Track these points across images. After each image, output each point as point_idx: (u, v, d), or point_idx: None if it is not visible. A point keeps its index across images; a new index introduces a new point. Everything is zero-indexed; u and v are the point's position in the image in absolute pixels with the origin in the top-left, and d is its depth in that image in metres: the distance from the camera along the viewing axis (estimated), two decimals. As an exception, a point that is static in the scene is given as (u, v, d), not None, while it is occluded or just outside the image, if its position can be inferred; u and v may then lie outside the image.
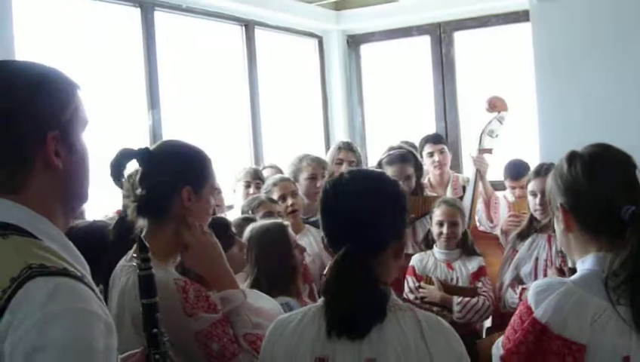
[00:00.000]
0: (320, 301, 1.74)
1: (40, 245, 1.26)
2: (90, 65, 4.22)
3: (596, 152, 1.82)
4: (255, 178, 4.39)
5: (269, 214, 3.44)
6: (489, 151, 4.52)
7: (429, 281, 3.71)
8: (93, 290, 1.26)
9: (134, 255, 1.56)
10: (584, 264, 1.78)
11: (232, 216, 4.26)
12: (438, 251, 3.77)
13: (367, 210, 1.70)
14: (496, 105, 4.47)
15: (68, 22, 4.14)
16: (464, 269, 3.69)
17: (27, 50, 3.62)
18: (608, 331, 1.65)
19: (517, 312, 1.79)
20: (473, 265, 3.70)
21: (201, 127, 5.12)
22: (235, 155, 5.47)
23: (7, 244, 1.24)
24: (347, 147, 4.79)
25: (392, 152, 4.10)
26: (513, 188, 4.65)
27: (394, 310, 1.67)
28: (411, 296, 3.72)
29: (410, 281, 3.76)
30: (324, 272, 1.78)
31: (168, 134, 4.60)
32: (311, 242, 3.75)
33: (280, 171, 4.65)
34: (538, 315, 1.70)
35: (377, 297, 1.65)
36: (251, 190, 4.32)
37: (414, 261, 3.79)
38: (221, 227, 2.44)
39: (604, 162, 1.79)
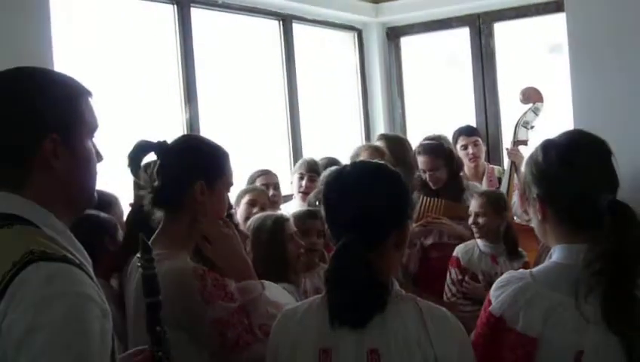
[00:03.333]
0: (324, 292, 1.76)
1: (42, 233, 1.33)
2: (127, 62, 4.32)
3: (571, 140, 1.78)
4: (309, 170, 4.38)
5: None
6: (524, 142, 4.47)
7: (474, 277, 3.64)
8: (91, 278, 1.31)
9: (138, 255, 1.59)
10: (552, 256, 1.76)
11: (291, 206, 4.34)
12: (482, 244, 3.68)
13: (364, 201, 1.71)
14: (530, 96, 4.42)
15: (105, 19, 4.23)
16: (509, 265, 3.58)
17: (64, 47, 3.72)
18: (562, 325, 1.62)
19: (483, 305, 1.79)
20: (518, 261, 3.61)
21: (239, 121, 5.16)
22: (273, 150, 5.51)
23: (11, 233, 1.32)
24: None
25: (424, 142, 4.09)
26: None
27: (396, 300, 1.67)
28: (453, 289, 3.68)
29: (453, 273, 3.70)
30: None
31: (205, 129, 4.68)
32: None
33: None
34: (494, 309, 1.70)
35: (375, 288, 1.65)
36: (304, 182, 4.33)
37: (459, 252, 3.72)
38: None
39: (580, 150, 1.74)
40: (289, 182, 4.65)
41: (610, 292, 1.59)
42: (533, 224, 1.84)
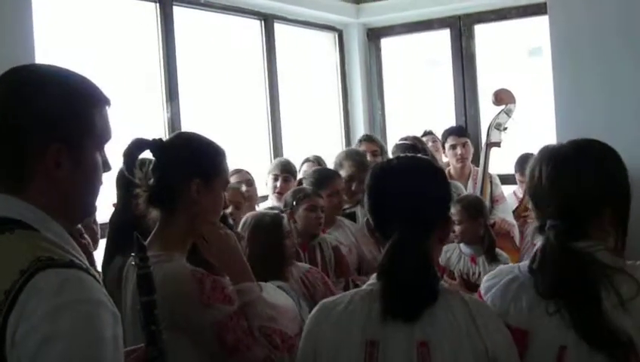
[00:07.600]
0: (366, 285, 1.75)
1: (45, 238, 1.30)
2: (109, 59, 4.27)
3: (566, 151, 1.79)
4: (284, 171, 4.37)
5: (312, 208, 3.45)
6: (497, 144, 4.51)
7: (451, 275, 3.67)
8: (97, 281, 1.29)
9: (132, 254, 1.58)
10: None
11: (265, 207, 4.31)
12: (462, 245, 3.75)
13: (418, 191, 1.72)
14: (502, 98, 4.46)
15: (87, 17, 4.19)
16: (487, 266, 3.63)
17: (46, 45, 3.67)
18: (547, 318, 1.66)
19: None
20: (497, 263, 3.58)
21: (221, 121, 5.13)
22: (254, 150, 5.49)
23: (14, 238, 1.28)
24: (366, 138, 4.86)
25: (398, 142, 4.19)
26: (522, 182, 4.62)
27: (443, 293, 1.67)
28: None
29: None
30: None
31: (186, 127, 4.64)
32: (347, 234, 3.83)
33: (322, 163, 4.67)
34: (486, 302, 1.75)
35: (431, 279, 1.66)
36: (279, 183, 4.32)
37: None
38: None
39: (571, 162, 1.76)
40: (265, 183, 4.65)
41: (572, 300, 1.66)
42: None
